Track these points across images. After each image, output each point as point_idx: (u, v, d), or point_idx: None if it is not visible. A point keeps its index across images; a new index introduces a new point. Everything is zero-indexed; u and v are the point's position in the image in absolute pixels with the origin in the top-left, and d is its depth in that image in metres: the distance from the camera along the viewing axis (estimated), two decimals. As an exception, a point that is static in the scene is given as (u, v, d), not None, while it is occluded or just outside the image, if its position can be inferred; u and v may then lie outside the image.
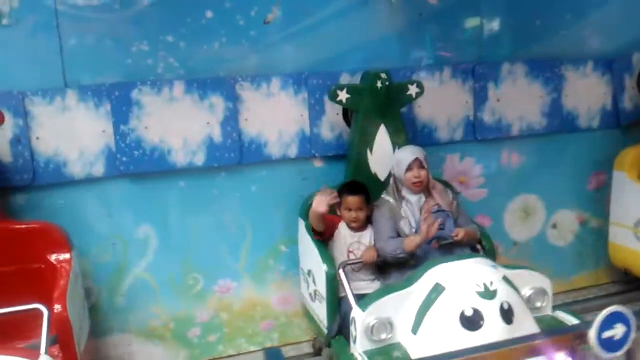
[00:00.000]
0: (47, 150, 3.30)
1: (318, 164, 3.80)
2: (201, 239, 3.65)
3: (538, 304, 2.95)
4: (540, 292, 2.94)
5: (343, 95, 3.47)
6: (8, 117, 3.18)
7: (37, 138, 3.28)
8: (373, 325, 2.75)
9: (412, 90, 3.61)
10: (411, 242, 3.13)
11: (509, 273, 2.87)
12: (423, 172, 3.27)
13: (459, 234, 3.18)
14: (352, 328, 2.84)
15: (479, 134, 4.06)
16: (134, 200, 3.52)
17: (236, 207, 3.70)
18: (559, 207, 4.44)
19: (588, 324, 2.16)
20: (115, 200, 3.49)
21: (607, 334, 2.16)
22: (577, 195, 4.45)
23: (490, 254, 3.38)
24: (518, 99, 4.08)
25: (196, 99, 3.49)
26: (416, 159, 3.25)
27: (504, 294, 2.68)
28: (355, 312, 2.82)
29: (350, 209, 3.29)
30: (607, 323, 2.17)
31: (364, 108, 3.51)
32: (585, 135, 4.32)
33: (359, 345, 2.78)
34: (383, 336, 2.77)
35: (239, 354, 3.85)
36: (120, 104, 3.37)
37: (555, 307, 3.00)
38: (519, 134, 4.13)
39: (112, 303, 3.58)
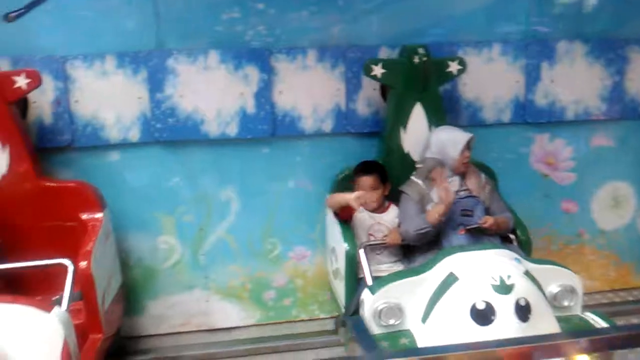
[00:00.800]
0: (85, 113, 3.41)
1: None
2: (281, 206, 3.70)
3: (565, 303, 2.74)
4: (569, 291, 2.74)
5: (378, 70, 3.34)
6: (49, 80, 3.31)
7: (76, 101, 3.39)
8: (382, 310, 2.68)
9: (453, 67, 3.41)
10: (433, 212, 3.02)
11: (534, 268, 2.69)
12: (469, 153, 3.19)
13: (488, 221, 3.02)
14: (361, 310, 2.78)
15: (529, 116, 3.80)
16: (218, 164, 3.61)
17: (317, 176, 3.68)
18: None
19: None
20: (202, 163, 3.59)
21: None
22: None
23: (525, 246, 3.18)
24: (575, 81, 3.77)
25: (231, 69, 3.48)
26: (472, 138, 3.15)
27: (522, 289, 2.50)
28: (365, 295, 2.75)
29: (364, 190, 3.19)
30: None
31: (400, 84, 3.36)
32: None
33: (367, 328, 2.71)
34: (392, 321, 2.69)
35: (310, 320, 3.89)
36: (155, 72, 3.42)
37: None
38: (573, 118, 3.82)
39: (195, 261, 3.71)
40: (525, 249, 3.14)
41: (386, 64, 3.35)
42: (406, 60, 3.32)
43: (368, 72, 3.35)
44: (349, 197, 3.07)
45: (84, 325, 2.85)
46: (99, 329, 2.92)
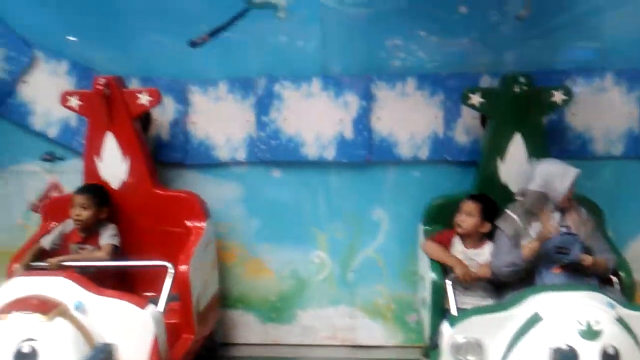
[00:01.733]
0: (199, 134, 3.72)
1: None
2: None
3: (667, 358, 2.49)
4: (672, 344, 2.48)
5: (476, 99, 3.30)
6: (171, 102, 3.67)
7: (193, 123, 3.72)
8: (460, 345, 2.62)
9: (558, 97, 3.27)
10: (527, 248, 2.91)
11: (631, 314, 2.48)
12: (574, 188, 3.06)
13: (586, 260, 2.84)
14: (440, 342, 2.73)
15: (644, 151, 3.52)
16: (372, 185, 3.73)
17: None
18: None
19: None
20: (355, 183, 3.74)
21: None
22: None
23: (628, 290, 2.94)
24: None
25: (332, 95, 3.62)
26: (579, 172, 3.04)
27: (612, 337, 2.33)
28: (444, 327, 2.71)
29: (460, 212, 3.17)
30: None
31: (498, 114, 3.30)
32: None
33: (444, 361, 2.66)
34: (470, 358, 2.61)
35: None
36: (263, 97, 3.65)
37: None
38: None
39: (343, 277, 3.85)
40: (627, 293, 2.91)
41: (485, 92, 3.30)
42: (506, 89, 3.25)
43: (466, 100, 3.32)
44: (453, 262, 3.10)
45: (177, 325, 3.08)
46: (191, 330, 3.15)
